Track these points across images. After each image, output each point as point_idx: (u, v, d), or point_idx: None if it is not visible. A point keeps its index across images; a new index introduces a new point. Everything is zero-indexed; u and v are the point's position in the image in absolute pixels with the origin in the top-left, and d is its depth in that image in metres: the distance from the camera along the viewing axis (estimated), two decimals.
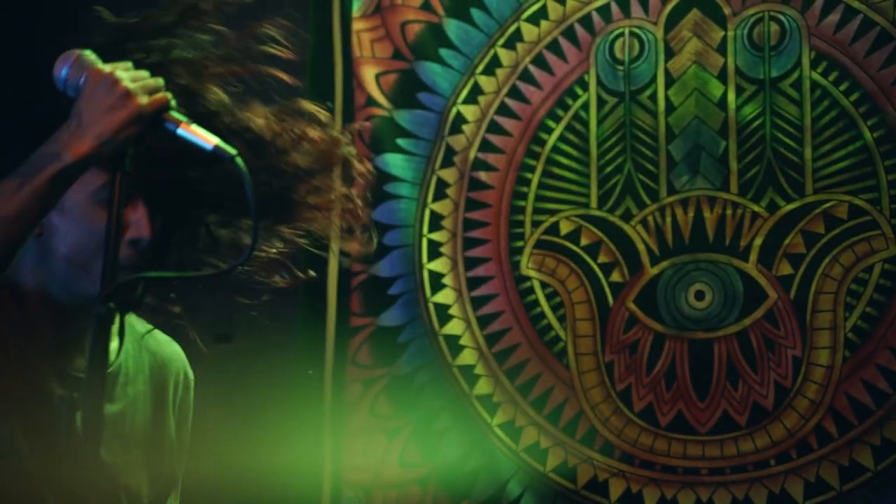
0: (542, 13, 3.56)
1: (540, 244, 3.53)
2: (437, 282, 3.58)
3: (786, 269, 3.34)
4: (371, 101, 3.64)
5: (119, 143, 1.72)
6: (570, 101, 3.53)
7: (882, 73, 3.31)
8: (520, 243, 3.54)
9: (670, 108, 3.45)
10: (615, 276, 3.46)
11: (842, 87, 3.34)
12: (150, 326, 2.05)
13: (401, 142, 3.62)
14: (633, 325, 3.43)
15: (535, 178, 3.54)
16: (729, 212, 3.38)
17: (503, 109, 3.57)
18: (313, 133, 1.95)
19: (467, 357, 3.54)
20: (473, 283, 3.56)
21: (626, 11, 3.50)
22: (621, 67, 3.50)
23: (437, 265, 3.59)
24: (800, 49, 3.37)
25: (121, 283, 1.73)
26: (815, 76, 3.36)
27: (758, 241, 3.36)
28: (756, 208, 3.37)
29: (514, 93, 3.57)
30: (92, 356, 1.70)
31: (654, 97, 3.47)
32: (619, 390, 3.43)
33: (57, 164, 1.69)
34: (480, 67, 3.59)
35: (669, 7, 3.47)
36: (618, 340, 3.44)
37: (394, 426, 3.56)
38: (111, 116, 1.70)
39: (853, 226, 3.30)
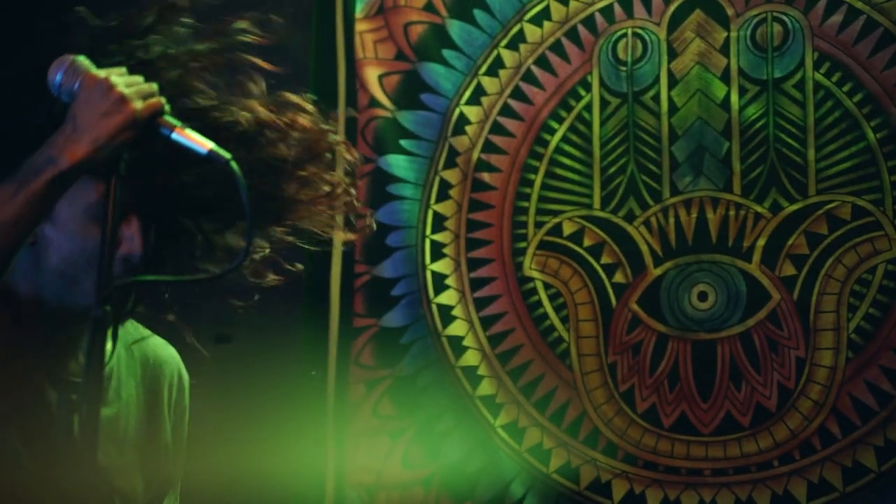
0: (545, 14, 3.56)
1: (543, 245, 3.53)
2: (440, 283, 3.58)
3: (789, 269, 3.34)
4: (374, 103, 3.64)
5: (114, 148, 1.73)
6: (573, 102, 3.53)
7: (885, 73, 3.31)
8: (523, 244, 3.54)
9: (673, 108, 3.45)
10: (618, 277, 3.46)
11: (845, 88, 3.34)
12: (146, 331, 2.05)
13: (404, 143, 3.62)
14: (637, 326, 3.43)
15: (538, 179, 3.54)
16: (732, 212, 3.38)
17: (506, 110, 3.57)
18: (302, 120, 1.95)
19: (470, 358, 3.54)
20: (476, 284, 3.56)
21: (629, 12, 3.50)
22: (624, 68, 3.50)
23: (440, 266, 3.59)
24: (803, 50, 3.37)
25: (117, 286, 1.73)
26: (819, 77, 3.36)
27: (761, 242, 3.36)
28: (759, 209, 3.36)
29: (517, 94, 3.57)
30: (89, 359, 1.70)
31: (657, 98, 3.47)
32: (622, 391, 3.42)
33: (53, 168, 1.70)
34: (483, 68, 3.59)
35: (672, 8, 3.47)
36: (621, 341, 3.44)
37: (397, 427, 3.56)
38: (106, 121, 1.71)
39: (856, 227, 3.30)
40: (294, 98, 1.97)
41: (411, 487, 3.53)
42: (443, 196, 3.60)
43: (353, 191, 2.00)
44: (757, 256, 3.36)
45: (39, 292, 1.88)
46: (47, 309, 1.88)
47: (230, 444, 3.40)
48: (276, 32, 1.99)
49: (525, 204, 3.55)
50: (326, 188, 1.95)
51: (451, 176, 3.60)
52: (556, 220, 3.52)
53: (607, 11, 3.51)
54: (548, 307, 3.50)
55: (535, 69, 3.56)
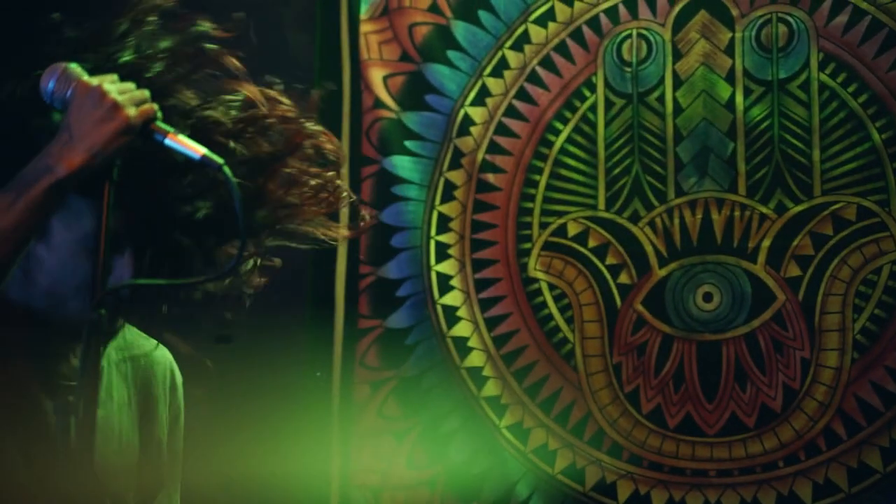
0: (550, 15, 3.56)
1: (548, 246, 3.53)
2: (444, 284, 3.58)
3: (794, 270, 3.33)
4: (379, 103, 3.64)
5: (110, 155, 1.74)
6: (577, 103, 3.53)
7: (890, 74, 3.30)
8: (527, 245, 3.54)
9: (678, 109, 3.45)
10: (623, 278, 3.46)
11: (850, 89, 3.33)
12: (136, 331, 2.05)
13: (408, 144, 3.62)
14: (641, 327, 3.43)
15: (543, 180, 3.54)
16: (737, 213, 3.38)
17: (511, 111, 3.57)
18: (279, 112, 1.94)
19: (475, 359, 3.54)
20: (481, 284, 3.56)
21: (634, 13, 3.50)
22: (629, 69, 3.50)
23: (445, 267, 3.59)
24: (808, 50, 3.37)
25: (111, 290, 1.74)
26: (824, 78, 3.36)
27: (766, 243, 3.35)
28: (764, 210, 3.36)
29: (522, 94, 3.57)
30: (84, 363, 1.71)
31: (661, 99, 3.47)
32: (627, 392, 3.42)
33: (51, 177, 1.71)
34: (488, 69, 3.59)
35: (677, 9, 3.47)
36: (626, 342, 3.44)
37: (402, 428, 3.56)
38: (101, 128, 1.73)
39: (861, 227, 3.29)
40: (270, 92, 1.96)
41: (416, 488, 3.53)
42: (447, 197, 3.60)
43: (340, 182, 1.99)
44: (762, 257, 3.36)
45: (29, 303, 1.88)
46: (37, 318, 1.88)
47: (235, 444, 3.40)
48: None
49: (530, 205, 3.55)
50: (313, 182, 1.94)
51: (456, 177, 3.60)
52: (561, 220, 3.52)
53: (612, 12, 3.51)
54: (553, 308, 3.50)
55: (539, 70, 3.56)
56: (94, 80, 1.76)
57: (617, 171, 3.49)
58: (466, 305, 3.56)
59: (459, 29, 3.61)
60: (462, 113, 3.60)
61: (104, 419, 1.95)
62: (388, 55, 3.65)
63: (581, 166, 3.52)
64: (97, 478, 1.91)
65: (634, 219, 3.46)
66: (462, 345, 3.55)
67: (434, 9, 3.63)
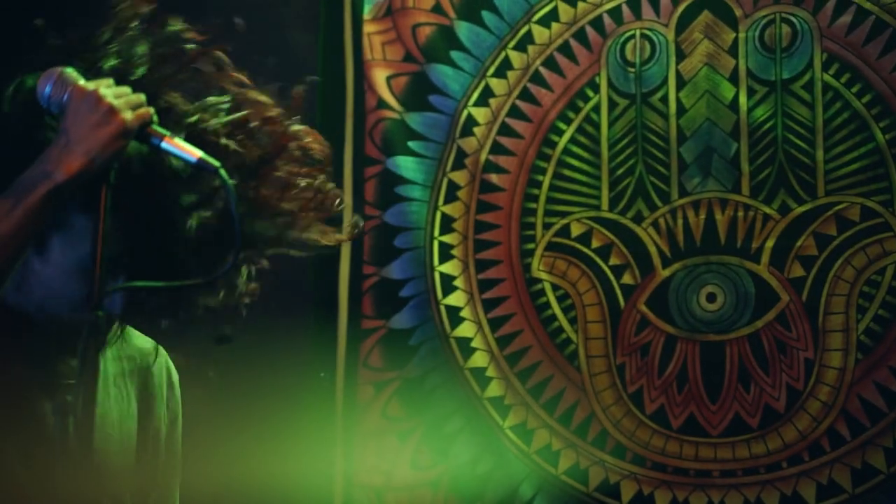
0: (553, 15, 3.56)
1: (551, 246, 3.53)
2: (448, 284, 3.58)
3: (798, 271, 3.33)
4: (382, 104, 3.64)
5: (108, 159, 1.75)
6: (581, 104, 3.53)
7: (894, 74, 3.30)
8: (531, 245, 3.54)
9: (681, 110, 3.45)
10: (626, 279, 3.46)
11: (854, 89, 3.33)
12: (132, 330, 2.06)
13: (412, 144, 3.62)
14: (645, 328, 3.43)
15: (547, 181, 3.54)
16: (741, 214, 3.38)
17: (514, 112, 3.57)
18: (264, 113, 1.93)
19: (479, 359, 3.54)
20: (485, 285, 3.56)
21: (638, 13, 3.50)
22: (632, 69, 3.50)
23: (449, 267, 3.59)
24: (811, 51, 3.37)
25: (109, 292, 1.75)
26: (827, 78, 3.35)
27: (769, 243, 3.35)
28: (768, 210, 3.36)
29: (525, 95, 3.57)
30: (82, 363, 1.71)
31: (665, 99, 3.47)
32: (630, 392, 3.42)
33: (49, 182, 1.72)
34: (491, 70, 3.59)
35: (681, 9, 3.47)
36: (629, 342, 3.44)
37: (405, 428, 3.56)
38: (98, 133, 1.73)
39: (865, 228, 3.29)
40: (252, 92, 1.96)
41: (420, 489, 3.53)
42: (451, 197, 3.60)
43: (330, 185, 1.99)
44: (765, 258, 3.35)
45: (25, 308, 1.89)
46: (34, 323, 1.89)
47: (239, 445, 3.40)
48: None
49: (533, 205, 3.55)
50: (303, 184, 1.94)
51: (459, 177, 3.60)
52: (565, 221, 3.52)
53: (615, 13, 3.51)
54: (556, 309, 3.50)
55: (543, 70, 3.56)
56: (90, 85, 1.76)
57: (620, 171, 3.49)
58: (470, 306, 3.56)
59: (463, 29, 3.61)
60: (465, 113, 3.60)
61: (102, 419, 1.95)
62: (391, 56, 3.65)
63: (584, 167, 3.52)
64: (96, 478, 1.91)
65: (638, 219, 3.46)
66: (465, 345, 3.55)
67: (437, 9, 3.63)
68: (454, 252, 3.59)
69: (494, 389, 3.52)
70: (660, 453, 3.39)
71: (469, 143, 3.59)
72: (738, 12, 3.43)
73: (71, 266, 1.86)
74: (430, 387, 3.56)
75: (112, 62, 1.87)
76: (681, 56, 3.46)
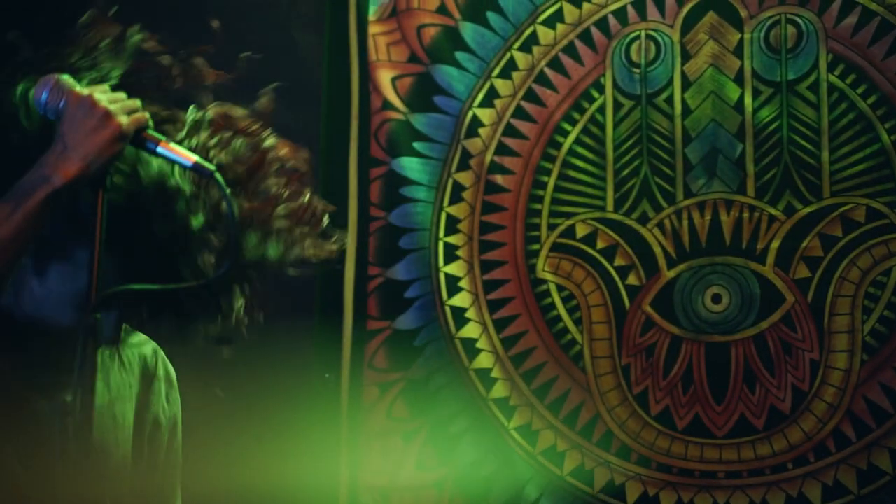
0: (558, 16, 3.56)
1: (556, 247, 3.53)
2: (453, 285, 3.58)
3: (803, 272, 3.33)
4: (387, 105, 3.64)
5: (104, 163, 1.77)
6: (586, 104, 3.53)
7: None
8: (536, 246, 3.54)
9: (687, 110, 3.45)
10: (631, 279, 3.45)
11: (859, 90, 3.33)
12: (137, 333, 2.07)
13: (417, 145, 3.63)
14: (650, 329, 3.43)
15: (551, 181, 3.54)
16: (746, 215, 3.38)
17: (519, 112, 3.57)
18: (237, 124, 1.94)
19: (483, 360, 3.54)
20: (489, 286, 3.56)
21: (643, 14, 3.50)
22: (637, 70, 3.50)
23: (454, 268, 3.59)
24: (817, 52, 3.37)
25: (106, 295, 1.76)
26: (833, 79, 3.35)
27: (775, 244, 3.35)
28: (773, 211, 3.36)
29: (530, 96, 3.57)
30: (81, 365, 1.72)
31: (670, 100, 3.46)
32: (635, 393, 3.42)
33: (48, 187, 1.75)
34: (496, 70, 3.59)
35: (686, 10, 3.47)
36: (634, 343, 3.43)
37: (410, 429, 3.56)
38: (94, 137, 1.76)
39: (871, 229, 3.29)
40: (223, 107, 1.97)
41: (425, 490, 3.53)
42: (456, 198, 3.60)
43: (317, 201, 1.99)
44: (771, 259, 3.35)
45: (23, 311, 1.91)
46: (34, 323, 1.91)
47: (244, 446, 3.40)
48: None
49: (538, 206, 3.55)
50: (286, 194, 1.95)
51: (465, 178, 3.60)
52: (570, 222, 3.52)
53: (620, 13, 3.51)
54: (561, 309, 3.50)
55: (548, 71, 3.56)
56: (86, 91, 1.79)
57: (625, 172, 3.49)
58: (475, 307, 3.56)
59: (468, 30, 3.61)
60: (470, 114, 3.60)
61: (101, 419, 1.96)
62: (396, 56, 3.65)
63: (589, 167, 3.52)
64: (95, 478, 1.92)
65: (643, 220, 3.46)
66: (470, 346, 3.55)
67: (442, 10, 3.63)
68: (459, 253, 3.59)
69: (499, 390, 3.52)
70: (665, 454, 3.38)
71: (474, 144, 3.59)
72: (743, 13, 3.43)
73: (67, 295, 1.88)
74: (435, 388, 3.56)
75: (85, 78, 1.88)
76: (686, 57, 3.46)
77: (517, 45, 3.59)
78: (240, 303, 1.94)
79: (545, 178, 3.55)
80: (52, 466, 1.84)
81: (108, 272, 1.79)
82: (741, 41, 3.42)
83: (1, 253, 1.74)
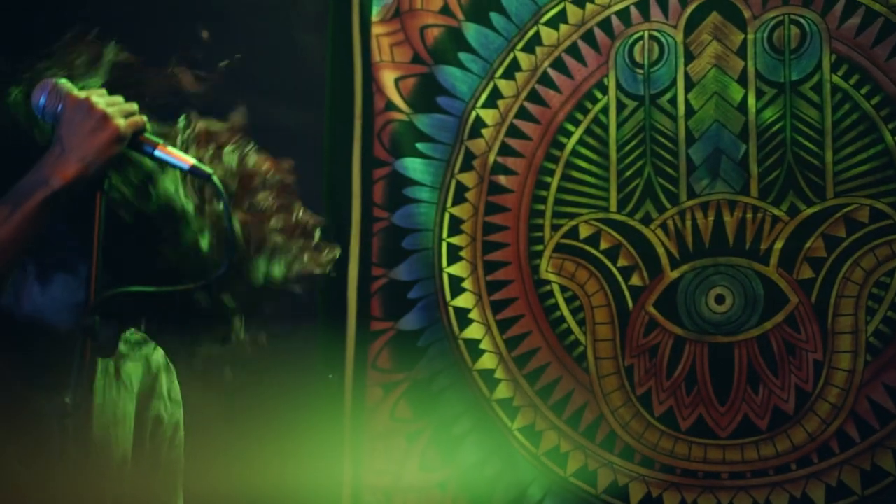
0: (562, 17, 3.56)
1: (559, 248, 3.52)
2: (456, 286, 3.58)
3: (807, 272, 3.33)
4: (390, 106, 3.64)
5: (102, 165, 1.78)
6: (589, 105, 3.53)
7: None
8: (539, 247, 3.54)
9: (690, 111, 3.45)
10: (635, 280, 3.45)
11: (863, 91, 3.33)
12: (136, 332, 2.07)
13: (420, 146, 3.63)
14: (653, 329, 3.43)
15: (555, 182, 3.54)
16: (749, 215, 3.37)
17: (522, 113, 3.57)
18: (218, 140, 1.94)
19: (487, 361, 3.54)
20: (493, 286, 3.56)
21: (646, 15, 3.50)
22: (641, 71, 3.50)
23: (457, 269, 3.59)
24: (820, 52, 3.36)
25: (105, 297, 1.76)
26: (836, 79, 3.35)
27: (778, 245, 3.35)
28: (777, 212, 3.36)
29: (534, 96, 3.57)
30: (80, 365, 1.73)
31: (673, 101, 3.46)
32: (639, 394, 3.42)
33: (46, 189, 1.76)
34: (500, 71, 3.59)
35: (689, 10, 3.47)
36: (638, 344, 3.43)
37: (414, 430, 3.56)
38: (92, 139, 1.77)
39: (874, 229, 3.29)
40: (203, 123, 1.97)
41: (428, 490, 3.53)
42: (459, 199, 3.60)
43: (304, 214, 1.99)
44: (774, 259, 3.35)
45: (22, 312, 1.91)
46: (33, 324, 1.91)
47: (247, 446, 3.41)
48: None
49: (541, 207, 3.54)
50: (276, 205, 1.95)
51: (468, 179, 3.60)
52: (573, 222, 3.52)
53: (624, 14, 3.51)
54: (564, 310, 3.50)
55: (551, 72, 3.56)
56: (83, 94, 1.81)
57: (629, 172, 3.49)
58: (478, 307, 3.56)
59: (471, 31, 3.61)
60: (474, 115, 3.60)
61: (100, 418, 1.97)
62: (399, 57, 3.65)
63: (593, 168, 3.52)
64: (96, 478, 1.92)
65: (646, 221, 3.46)
66: (474, 347, 3.55)
67: (445, 11, 3.63)
68: (462, 254, 3.59)
69: (503, 391, 3.52)
70: (668, 455, 3.38)
71: (477, 145, 3.59)
72: (746, 14, 3.42)
73: (67, 304, 1.89)
74: (438, 388, 3.56)
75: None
76: (689, 58, 3.46)
77: (520, 45, 3.58)
78: (241, 325, 1.95)
79: (548, 179, 3.55)
80: (52, 466, 1.84)
81: (125, 304, 1.80)
82: (745, 42, 3.42)
83: (1, 254, 1.75)
